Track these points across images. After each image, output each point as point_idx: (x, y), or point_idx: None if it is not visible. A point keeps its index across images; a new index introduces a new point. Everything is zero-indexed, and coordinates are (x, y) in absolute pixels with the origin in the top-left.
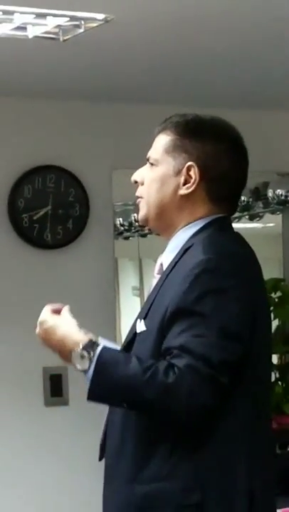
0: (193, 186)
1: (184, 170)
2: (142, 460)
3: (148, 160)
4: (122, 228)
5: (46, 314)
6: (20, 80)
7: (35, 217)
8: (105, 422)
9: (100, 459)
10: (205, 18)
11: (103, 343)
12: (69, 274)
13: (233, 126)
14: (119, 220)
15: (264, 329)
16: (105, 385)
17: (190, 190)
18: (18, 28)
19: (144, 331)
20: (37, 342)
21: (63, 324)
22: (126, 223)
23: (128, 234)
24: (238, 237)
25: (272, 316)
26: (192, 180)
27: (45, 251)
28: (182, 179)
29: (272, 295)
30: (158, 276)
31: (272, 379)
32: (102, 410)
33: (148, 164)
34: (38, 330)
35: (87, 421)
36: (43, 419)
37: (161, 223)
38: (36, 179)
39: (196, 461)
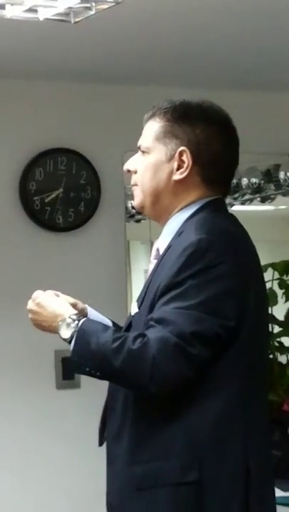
0: (187, 171)
1: (177, 155)
2: (139, 441)
3: (139, 148)
4: (134, 211)
5: (40, 291)
6: (31, 63)
7: (46, 200)
8: (104, 408)
9: (100, 445)
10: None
11: (93, 316)
12: (80, 257)
13: (221, 108)
14: (130, 203)
15: (258, 306)
16: (83, 353)
17: (184, 175)
18: (29, 11)
19: (137, 313)
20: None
21: (56, 299)
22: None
23: (139, 217)
24: (231, 217)
25: (284, 298)
26: (185, 165)
27: (56, 234)
28: (175, 164)
29: (284, 277)
30: (154, 261)
31: (285, 362)
32: None
33: (140, 152)
34: (29, 305)
35: (99, 404)
36: (55, 402)
37: (157, 209)
38: (48, 162)
39: (192, 440)
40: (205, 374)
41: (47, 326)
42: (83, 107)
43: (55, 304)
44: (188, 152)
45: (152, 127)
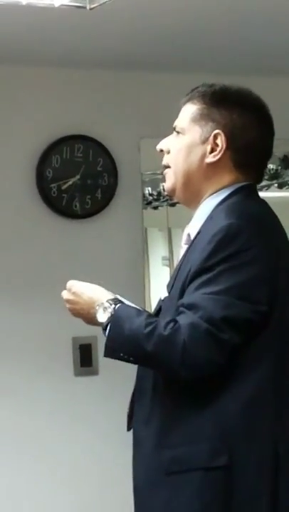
0: (220, 154)
1: (211, 138)
2: (169, 425)
3: (174, 129)
4: (151, 198)
5: (73, 281)
6: (46, 49)
7: (63, 187)
8: (133, 392)
9: (129, 429)
10: None
11: (127, 303)
12: (98, 244)
13: (259, 97)
14: (147, 190)
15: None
16: (117, 338)
17: (216, 158)
18: None
19: (167, 297)
20: (66, 312)
21: (91, 286)
22: (154, 193)
23: (157, 203)
24: (262, 202)
25: None
26: (219, 148)
27: (73, 221)
28: (209, 147)
29: None
30: (185, 247)
31: None
32: (132, 380)
33: (174, 133)
34: (65, 295)
35: (117, 391)
36: (73, 389)
37: (188, 193)
38: (64, 149)
39: (222, 425)
40: (236, 358)
41: (85, 314)
42: (99, 93)
43: (91, 291)
44: (222, 135)
45: (189, 109)
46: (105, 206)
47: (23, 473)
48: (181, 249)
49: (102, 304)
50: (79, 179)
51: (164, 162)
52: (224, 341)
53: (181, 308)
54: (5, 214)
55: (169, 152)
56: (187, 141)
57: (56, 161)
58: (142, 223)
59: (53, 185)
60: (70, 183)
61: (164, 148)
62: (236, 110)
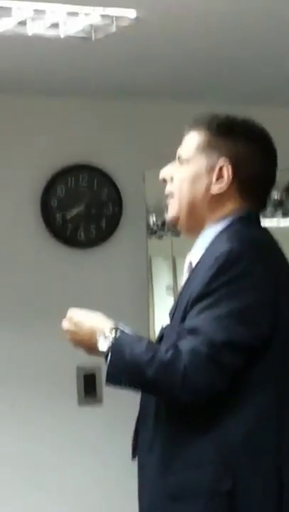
0: (226, 185)
1: (217, 168)
2: (172, 451)
3: (178, 158)
4: (156, 227)
5: (73, 310)
6: (51, 79)
7: (68, 217)
8: (136, 419)
9: (134, 458)
10: (237, 14)
11: (127, 330)
12: (102, 273)
13: (263, 128)
14: (152, 219)
15: None
16: (118, 364)
17: (223, 189)
18: (51, 27)
19: (169, 325)
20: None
21: (92, 315)
22: (159, 222)
23: (161, 233)
24: (264, 229)
25: None
26: (225, 180)
27: (78, 250)
28: (214, 177)
29: None
30: (187, 275)
31: None
32: (136, 409)
33: (177, 162)
34: (66, 325)
35: (121, 420)
36: (77, 418)
37: (191, 221)
38: (69, 178)
39: (225, 450)
40: (238, 383)
41: (86, 344)
42: (105, 123)
43: (91, 320)
44: (229, 166)
45: (194, 138)
46: (110, 235)
47: (25, 501)
48: (183, 277)
49: (103, 333)
50: (84, 208)
51: (167, 191)
52: (225, 366)
53: (182, 333)
54: (10, 242)
55: (172, 180)
56: (192, 170)
57: (61, 191)
58: (146, 252)
59: (57, 214)
60: (75, 212)
61: (167, 177)
62: (242, 141)
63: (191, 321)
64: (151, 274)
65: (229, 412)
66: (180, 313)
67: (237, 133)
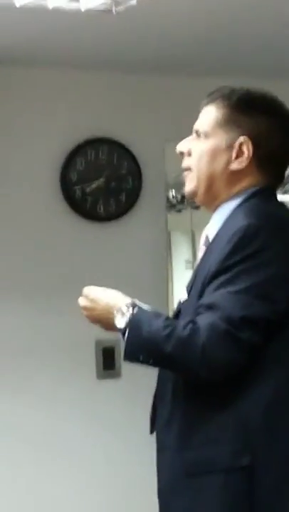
0: (246, 161)
1: (237, 144)
2: (190, 427)
3: (196, 132)
4: (175, 201)
5: (90, 287)
6: (72, 53)
7: (87, 190)
8: (154, 396)
9: (151, 432)
10: None
11: (144, 307)
12: (121, 247)
13: (282, 102)
14: (171, 193)
15: None
16: (135, 341)
17: (242, 165)
18: (71, 0)
19: (187, 299)
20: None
21: (108, 292)
22: (179, 196)
23: (181, 206)
24: (281, 204)
25: None
26: (244, 156)
27: (97, 223)
28: (234, 154)
29: None
30: (204, 248)
31: None
32: (155, 383)
33: (195, 136)
34: (82, 302)
35: (140, 394)
36: (96, 392)
37: (209, 196)
38: (89, 152)
39: (243, 426)
40: (256, 359)
41: (103, 320)
42: (124, 96)
43: (108, 297)
44: (249, 143)
45: (213, 112)
46: (129, 209)
47: (43, 475)
48: (199, 251)
49: (120, 309)
50: (103, 182)
51: (185, 164)
52: (243, 341)
53: (200, 309)
54: (29, 216)
55: (190, 154)
56: (211, 145)
57: (81, 164)
58: (165, 226)
59: (77, 187)
60: (95, 185)
61: (185, 150)
62: (262, 117)
63: (209, 297)
64: (170, 248)
65: (247, 388)
66: (198, 288)
67: (257, 109)
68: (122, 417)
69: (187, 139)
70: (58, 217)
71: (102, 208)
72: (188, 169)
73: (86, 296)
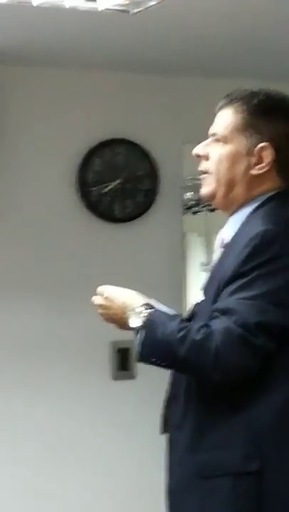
0: (267, 167)
1: (257, 150)
2: (202, 430)
3: (214, 135)
4: (191, 203)
5: (105, 286)
6: (89, 53)
7: (104, 191)
8: (166, 396)
9: (162, 433)
10: None
11: (159, 307)
12: (137, 248)
13: None
14: (188, 195)
15: None
16: (149, 342)
17: (263, 170)
18: (88, 0)
19: (202, 301)
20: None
21: (123, 291)
22: (195, 198)
23: (197, 209)
24: None
25: None
26: (265, 162)
27: (113, 224)
28: (254, 159)
29: None
30: (219, 250)
31: None
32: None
33: (212, 139)
34: (98, 300)
35: (155, 395)
36: (111, 393)
37: (228, 200)
38: (106, 152)
39: (254, 430)
40: (269, 365)
41: (118, 319)
42: (142, 97)
43: (124, 296)
44: (270, 149)
45: (232, 117)
46: (145, 210)
47: (58, 474)
48: (214, 253)
49: (135, 309)
50: (120, 183)
51: (203, 168)
52: (258, 347)
53: (215, 313)
54: (46, 216)
55: (207, 158)
56: (231, 150)
57: (98, 165)
58: (181, 228)
59: (93, 188)
60: (111, 186)
61: (202, 154)
62: (282, 121)
63: (225, 302)
64: (185, 250)
65: (259, 394)
66: (213, 291)
67: (277, 113)
68: (137, 417)
69: (204, 142)
70: (74, 218)
71: (118, 209)
72: (206, 172)
73: (101, 295)
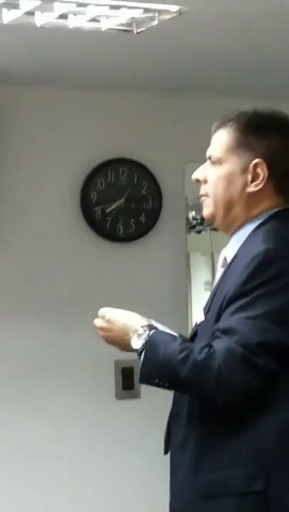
0: (262, 183)
1: (251, 167)
2: (205, 450)
3: (210, 158)
4: (195, 222)
5: (106, 308)
6: (92, 73)
7: (107, 210)
8: (169, 416)
9: (166, 453)
10: (278, 14)
11: (161, 328)
12: (141, 268)
13: None
14: (191, 214)
15: None
16: (151, 364)
17: (259, 187)
18: (92, 21)
19: (203, 321)
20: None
21: (124, 313)
22: (198, 217)
23: (200, 228)
24: None
25: None
26: (260, 178)
27: (117, 244)
28: (250, 177)
29: None
30: (222, 270)
31: None
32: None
33: (209, 162)
34: (99, 322)
35: (159, 414)
36: (115, 412)
37: (228, 220)
38: (109, 172)
39: (257, 450)
40: (272, 384)
41: (119, 341)
42: (145, 117)
43: (124, 318)
44: (263, 164)
45: (224, 138)
46: (149, 230)
47: (62, 493)
48: (217, 272)
49: (136, 330)
50: (123, 202)
51: (202, 192)
52: (260, 366)
53: (217, 333)
54: (49, 236)
55: (206, 181)
56: (226, 171)
57: (101, 184)
58: (185, 247)
59: (97, 208)
60: (115, 206)
61: (201, 178)
62: (274, 136)
63: (226, 321)
64: (189, 269)
65: (263, 413)
66: (215, 311)
67: (267, 129)
68: (141, 437)
69: (202, 166)
70: (77, 237)
71: (121, 229)
72: (206, 195)
73: (102, 317)
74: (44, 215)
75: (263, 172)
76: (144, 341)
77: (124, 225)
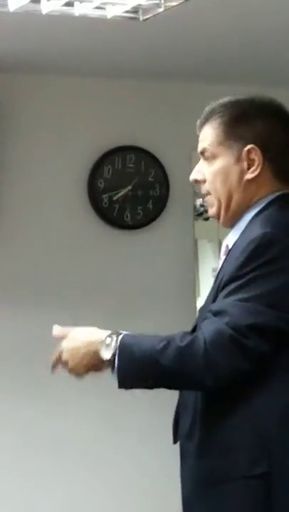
0: (259, 168)
1: (244, 155)
2: (209, 436)
3: (202, 155)
4: (202, 209)
5: (57, 344)
6: (99, 61)
7: (115, 198)
8: (177, 406)
9: (174, 442)
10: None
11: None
12: (148, 255)
13: (272, 98)
14: (199, 201)
15: None
16: (129, 366)
17: (256, 173)
18: (97, 8)
19: (202, 307)
20: (117, 322)
21: (83, 330)
22: (206, 204)
23: (208, 215)
24: None
25: None
26: (256, 163)
27: (124, 231)
28: (245, 164)
29: None
30: (224, 258)
31: None
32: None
33: (202, 160)
34: (64, 357)
35: (169, 401)
36: (126, 400)
37: (232, 212)
38: (116, 160)
39: (260, 433)
40: (269, 366)
41: (91, 361)
42: (152, 105)
43: (86, 335)
44: (256, 149)
45: (212, 133)
46: (156, 217)
47: (69, 484)
48: (220, 261)
49: (103, 341)
50: (131, 190)
51: (204, 191)
52: (249, 348)
53: (208, 314)
54: (56, 223)
55: (205, 181)
56: (220, 165)
57: (108, 172)
58: (193, 234)
59: (104, 195)
60: (122, 193)
61: (199, 178)
62: (259, 121)
63: (219, 303)
64: (197, 256)
65: (262, 395)
66: (212, 295)
67: (251, 115)
68: (149, 425)
69: (196, 166)
70: (85, 225)
71: (129, 216)
72: (208, 193)
73: (61, 352)
74: (52, 203)
75: (257, 157)
76: (114, 347)
77: (132, 213)
